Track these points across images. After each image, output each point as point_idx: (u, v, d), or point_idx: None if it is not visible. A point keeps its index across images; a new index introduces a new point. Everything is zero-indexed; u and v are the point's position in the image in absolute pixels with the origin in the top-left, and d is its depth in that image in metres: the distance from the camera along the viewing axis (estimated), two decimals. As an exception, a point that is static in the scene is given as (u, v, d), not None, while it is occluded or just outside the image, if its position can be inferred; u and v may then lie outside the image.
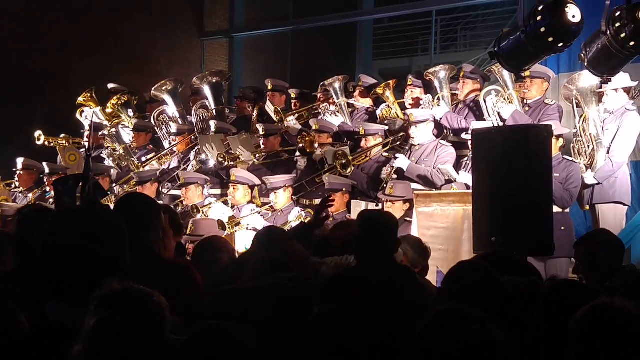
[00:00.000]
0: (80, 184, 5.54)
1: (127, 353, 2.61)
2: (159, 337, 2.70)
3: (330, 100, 10.99)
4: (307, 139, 9.74)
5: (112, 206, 10.11)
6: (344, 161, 9.27)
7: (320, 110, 10.87)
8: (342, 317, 3.12)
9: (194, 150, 11.07)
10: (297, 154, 10.13)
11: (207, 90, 12.17)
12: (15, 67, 13.96)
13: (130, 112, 12.96)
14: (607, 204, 8.21)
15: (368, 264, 4.83)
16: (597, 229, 7.83)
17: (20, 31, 14.25)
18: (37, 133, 12.68)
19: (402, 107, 10.25)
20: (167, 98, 12.52)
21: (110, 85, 13.28)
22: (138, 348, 2.63)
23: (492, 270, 3.91)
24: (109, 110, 12.92)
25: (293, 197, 9.60)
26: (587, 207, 8.40)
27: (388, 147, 9.63)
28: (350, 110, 10.87)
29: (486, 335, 2.75)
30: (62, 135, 12.78)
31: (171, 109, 12.44)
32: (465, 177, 8.32)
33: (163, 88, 12.54)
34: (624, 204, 8.25)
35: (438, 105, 9.56)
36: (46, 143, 12.68)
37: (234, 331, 2.74)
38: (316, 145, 9.72)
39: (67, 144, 12.69)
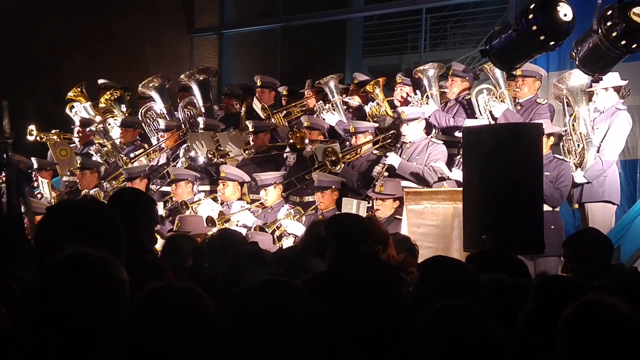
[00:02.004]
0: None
1: (64, 320, 2.60)
2: (112, 305, 2.67)
3: (317, 97, 10.98)
4: (297, 135, 9.72)
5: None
6: (333, 158, 9.26)
7: (316, 109, 10.83)
8: (324, 314, 3.12)
9: (183, 147, 11.03)
10: (287, 150, 10.11)
11: (194, 87, 12.15)
12: (5, 62, 13.89)
13: (123, 108, 12.92)
14: (597, 203, 8.22)
15: (336, 264, 4.86)
16: (586, 227, 7.85)
17: (10, 26, 14.18)
18: (30, 127, 12.64)
19: (392, 105, 10.25)
20: (154, 94, 12.49)
21: (101, 81, 13.23)
22: (87, 314, 2.61)
23: (471, 268, 3.95)
24: (102, 105, 12.89)
25: (283, 194, 9.58)
26: (577, 206, 8.41)
27: (378, 145, 9.62)
28: (345, 108, 10.85)
29: (486, 330, 2.78)
30: (53, 131, 12.74)
31: (158, 105, 12.41)
32: (458, 175, 8.30)
33: (150, 84, 12.53)
34: (613, 203, 8.26)
35: (427, 104, 9.56)
36: (38, 138, 12.64)
37: (184, 290, 2.73)
38: (306, 141, 9.70)
39: (58, 140, 12.65)
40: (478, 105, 9.01)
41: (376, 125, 9.86)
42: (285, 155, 10.21)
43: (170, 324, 2.61)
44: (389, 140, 9.62)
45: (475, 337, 2.80)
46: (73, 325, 2.61)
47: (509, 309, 3.53)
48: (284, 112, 11.32)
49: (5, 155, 4.88)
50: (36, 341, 2.60)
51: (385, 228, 6.23)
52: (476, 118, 8.94)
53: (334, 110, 10.62)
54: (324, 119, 10.38)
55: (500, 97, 8.93)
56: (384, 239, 5.70)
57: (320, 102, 10.75)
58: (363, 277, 4.14)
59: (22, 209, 4.86)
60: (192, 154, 10.62)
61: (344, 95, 10.92)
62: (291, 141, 9.78)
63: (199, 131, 10.95)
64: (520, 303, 3.57)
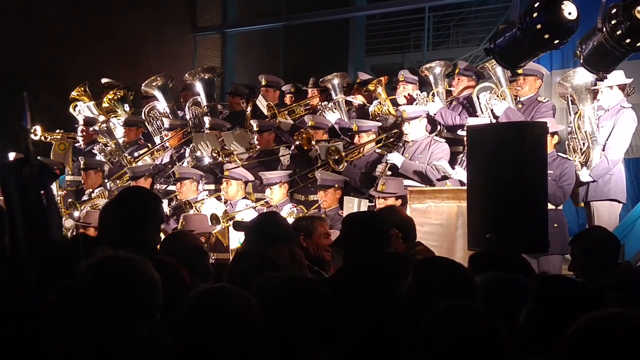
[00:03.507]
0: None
1: (92, 319, 2.61)
2: (146, 303, 2.69)
3: (321, 97, 10.98)
4: (304, 135, 9.70)
5: (104, 200, 10.12)
6: (336, 157, 9.24)
7: (319, 107, 10.84)
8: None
9: (189, 147, 11.03)
10: (291, 150, 10.10)
11: (199, 86, 12.16)
12: (7, 62, 13.90)
13: (127, 107, 12.93)
14: (602, 202, 8.20)
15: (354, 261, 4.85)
16: (593, 226, 7.83)
17: (12, 26, 14.19)
18: (34, 128, 12.63)
19: (394, 104, 10.24)
20: (157, 94, 12.50)
21: (104, 80, 13.25)
22: (122, 314, 2.63)
23: (463, 267, 3.95)
24: (105, 105, 12.90)
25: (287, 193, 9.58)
26: (582, 204, 8.40)
27: (381, 144, 9.61)
28: (348, 107, 10.86)
29: (490, 330, 2.77)
30: (57, 131, 12.75)
31: (162, 104, 12.41)
32: (461, 174, 8.30)
33: (153, 84, 12.53)
34: (619, 202, 8.24)
35: (432, 101, 9.56)
36: (42, 138, 12.65)
37: (235, 292, 2.77)
38: (313, 142, 9.69)
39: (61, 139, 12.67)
40: (479, 104, 9.01)
41: (379, 124, 9.85)
42: (280, 155, 10.20)
43: (223, 326, 2.68)
44: (392, 139, 9.61)
45: (480, 337, 2.79)
46: (108, 324, 2.63)
47: (508, 307, 3.53)
48: (287, 110, 11.32)
49: (26, 151, 4.79)
50: (72, 341, 2.62)
51: (405, 214, 6.19)
52: (477, 117, 8.93)
53: (336, 108, 10.62)
54: (324, 117, 10.39)
55: (501, 96, 8.93)
56: (400, 224, 5.72)
57: (324, 102, 10.76)
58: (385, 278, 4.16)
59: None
60: (198, 154, 10.61)
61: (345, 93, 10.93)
62: (297, 142, 9.77)
63: (205, 131, 10.95)
64: (520, 300, 3.56)
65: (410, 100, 9.88)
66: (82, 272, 2.72)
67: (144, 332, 2.70)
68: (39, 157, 11.39)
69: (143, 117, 12.28)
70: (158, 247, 4.78)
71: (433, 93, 9.66)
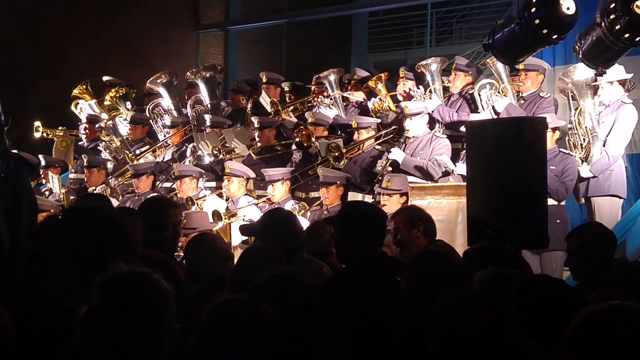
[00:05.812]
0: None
1: (120, 337, 2.61)
2: (159, 321, 2.69)
3: (325, 93, 10.98)
4: (304, 132, 9.70)
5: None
6: (336, 154, 9.23)
7: (314, 103, 10.85)
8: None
9: (190, 146, 11.03)
10: (294, 147, 10.10)
11: (201, 85, 12.17)
12: (10, 59, 13.92)
13: (129, 105, 12.94)
14: (603, 197, 8.18)
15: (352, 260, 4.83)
16: (590, 221, 7.82)
17: (16, 23, 14.21)
18: (36, 124, 12.65)
19: (395, 100, 10.23)
20: (162, 91, 12.52)
21: (105, 78, 13.25)
22: (134, 331, 2.63)
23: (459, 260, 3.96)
24: (106, 102, 12.91)
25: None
26: (583, 200, 8.38)
27: (381, 140, 9.60)
28: (345, 103, 10.85)
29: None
30: (59, 128, 12.76)
31: (166, 101, 12.43)
32: (463, 169, 8.28)
33: (158, 81, 12.55)
34: (620, 197, 8.22)
35: (430, 98, 9.55)
36: (44, 135, 12.66)
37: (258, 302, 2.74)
38: (313, 138, 9.69)
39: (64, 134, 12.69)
40: (481, 100, 9.00)
41: (379, 120, 9.85)
42: (291, 151, 10.20)
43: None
44: (392, 136, 9.60)
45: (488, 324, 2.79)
46: (138, 340, 2.64)
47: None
48: (291, 107, 11.33)
49: (1, 144, 4.61)
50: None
51: (425, 212, 6.20)
52: (479, 113, 8.92)
53: (333, 105, 10.62)
54: (322, 113, 10.40)
55: (502, 92, 8.92)
56: (424, 220, 5.75)
57: (321, 96, 10.76)
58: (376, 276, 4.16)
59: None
60: (199, 153, 10.62)
61: (344, 87, 10.92)
62: (297, 139, 9.77)
63: (205, 130, 10.95)
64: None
65: (408, 97, 9.87)
66: (99, 287, 2.71)
67: (168, 345, 2.69)
68: (40, 155, 11.49)
69: (148, 114, 12.30)
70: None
71: (430, 90, 9.65)
